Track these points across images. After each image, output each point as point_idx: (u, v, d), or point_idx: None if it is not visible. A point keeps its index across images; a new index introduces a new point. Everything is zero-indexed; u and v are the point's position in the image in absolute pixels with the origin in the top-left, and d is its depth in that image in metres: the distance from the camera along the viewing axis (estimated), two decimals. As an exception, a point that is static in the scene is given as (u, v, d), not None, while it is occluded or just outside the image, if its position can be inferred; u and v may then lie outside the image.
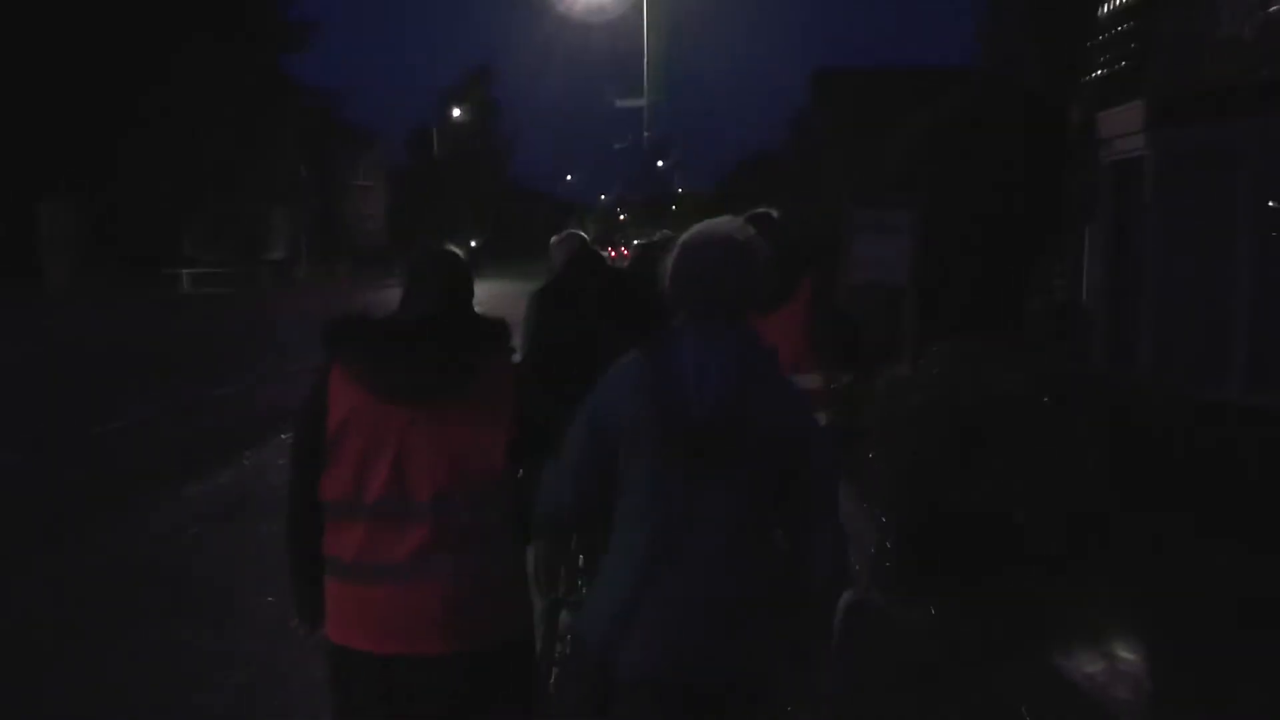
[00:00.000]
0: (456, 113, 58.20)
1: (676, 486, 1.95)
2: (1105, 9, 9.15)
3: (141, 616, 4.82)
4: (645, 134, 21.54)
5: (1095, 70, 9.30)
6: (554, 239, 4.26)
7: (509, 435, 2.19)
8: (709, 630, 1.94)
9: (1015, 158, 11.16)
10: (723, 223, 2.13)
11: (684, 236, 2.12)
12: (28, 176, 24.91)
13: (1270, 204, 6.68)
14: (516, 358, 2.40)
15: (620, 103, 22.05)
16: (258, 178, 33.80)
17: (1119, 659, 4.10)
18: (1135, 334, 8.28)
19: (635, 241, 5.21)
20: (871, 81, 31.74)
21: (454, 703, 2.17)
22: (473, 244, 67.52)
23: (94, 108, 24.90)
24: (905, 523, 5.30)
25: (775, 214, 3.95)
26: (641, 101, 21.36)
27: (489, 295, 31.60)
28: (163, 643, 4.49)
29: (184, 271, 29.40)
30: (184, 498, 6.93)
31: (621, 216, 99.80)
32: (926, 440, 5.38)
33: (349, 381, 2.18)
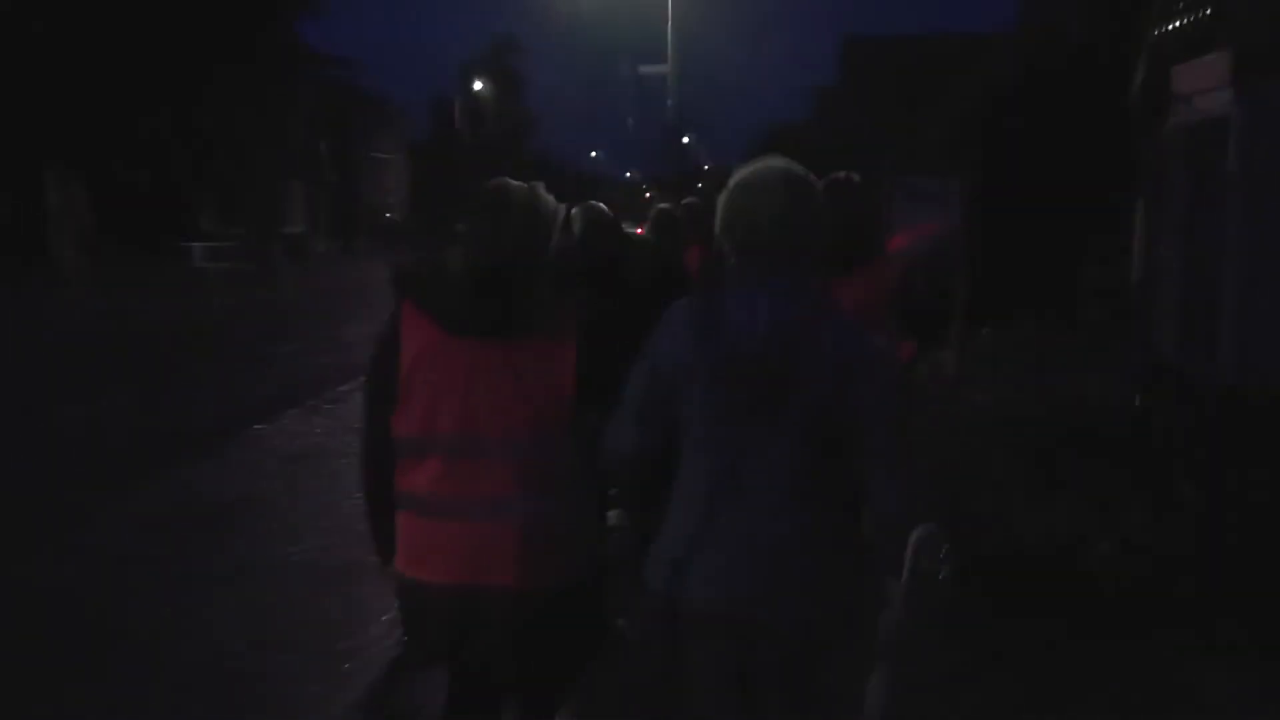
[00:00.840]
0: (478, 86, 57.28)
1: (732, 425, 1.95)
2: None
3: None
4: (669, 103, 20.57)
5: (1161, 24, 8.30)
6: (574, 209, 4.08)
7: (575, 378, 2.21)
8: (770, 568, 1.95)
9: (1069, 123, 10.19)
10: (776, 160, 2.06)
11: (737, 174, 2.06)
12: (33, 149, 24.33)
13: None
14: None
15: (644, 69, 21.12)
16: (273, 149, 33.09)
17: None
18: (1213, 324, 7.34)
19: (659, 205, 5.16)
20: (905, 48, 30.59)
21: (519, 637, 2.21)
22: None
23: (98, 78, 24.22)
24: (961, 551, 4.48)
25: (856, 177, 3.57)
26: (665, 68, 20.41)
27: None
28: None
29: (195, 245, 28.74)
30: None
31: (648, 194, 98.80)
32: (990, 456, 4.51)
33: (419, 318, 2.22)
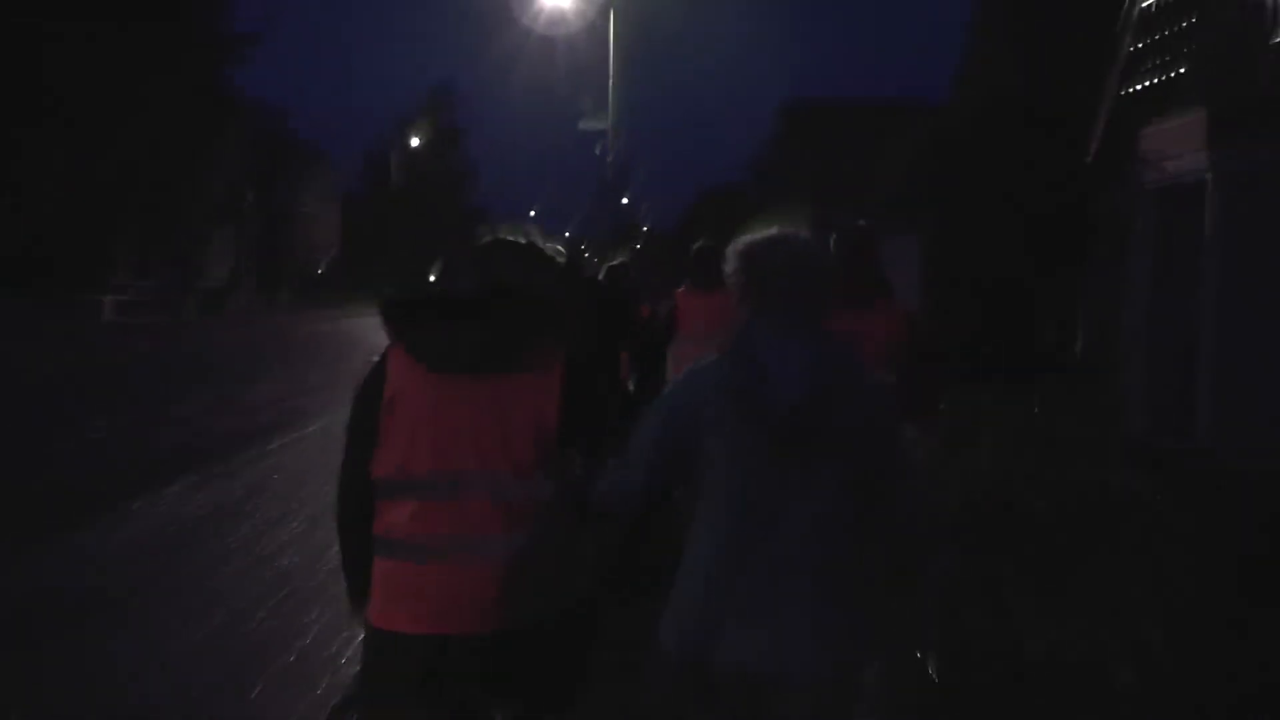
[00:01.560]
0: (415, 141, 56.60)
1: (763, 481, 1.98)
2: (1129, 20, 7.84)
3: None
4: (609, 158, 20.09)
5: (1126, 84, 7.97)
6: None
7: (559, 415, 2.14)
8: (802, 631, 1.95)
9: (1022, 185, 9.85)
10: (782, 228, 2.13)
11: (741, 243, 2.12)
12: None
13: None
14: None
15: (584, 124, 20.66)
16: (194, 198, 31.78)
17: None
18: (1188, 393, 6.86)
19: (607, 265, 5.55)
20: (844, 113, 30.88)
21: (496, 680, 2.13)
22: (431, 277, 65.59)
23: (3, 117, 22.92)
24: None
25: (865, 223, 3.73)
26: (605, 124, 19.96)
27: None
28: None
29: (107, 299, 27.22)
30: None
31: (586, 254, 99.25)
32: (978, 549, 3.81)
33: (402, 354, 2.18)
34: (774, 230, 2.09)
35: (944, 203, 8.78)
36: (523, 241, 2.30)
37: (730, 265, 2.12)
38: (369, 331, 26.55)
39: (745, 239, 2.11)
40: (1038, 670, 3.45)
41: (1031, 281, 9.66)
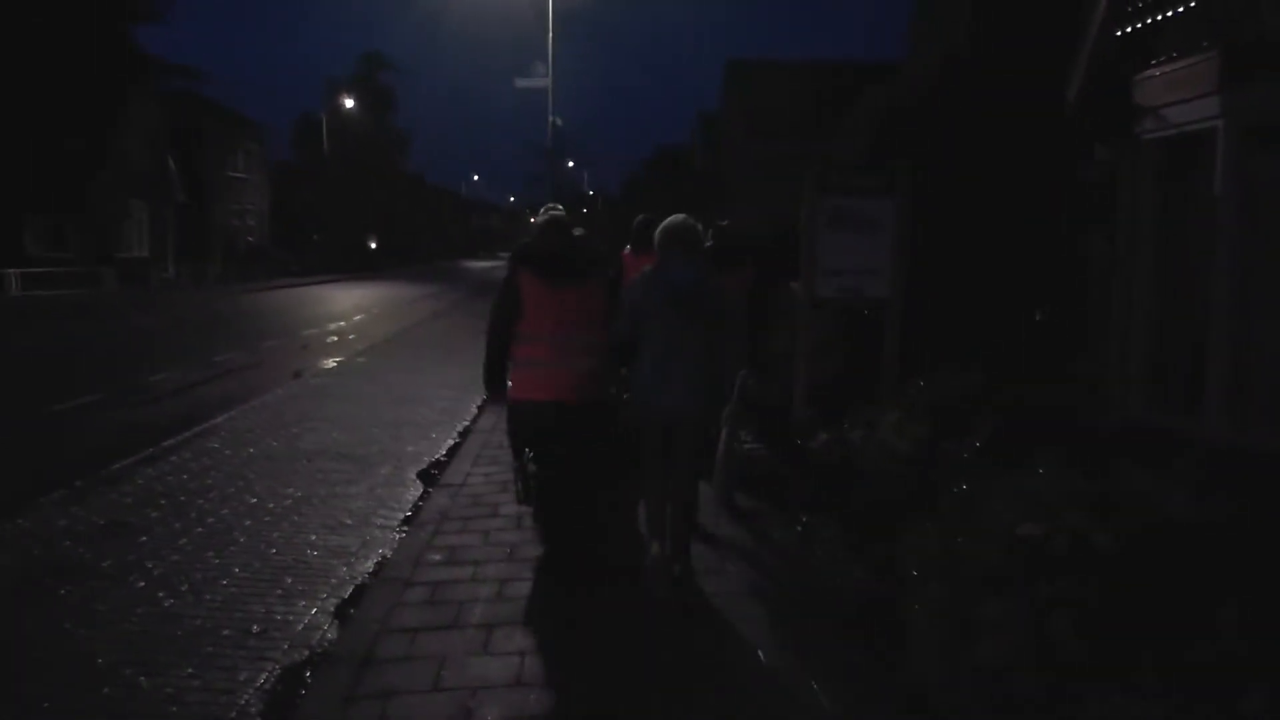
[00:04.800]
0: (349, 103, 54.44)
1: (670, 330, 4.53)
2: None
3: None
4: (550, 119, 19.00)
5: (1110, 27, 7.23)
6: (541, 210, 5.46)
7: (604, 304, 4.88)
8: (687, 392, 4.55)
9: (1002, 143, 9.12)
10: (680, 216, 4.76)
11: (663, 226, 4.73)
12: None
13: None
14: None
15: (521, 83, 19.49)
16: (109, 165, 29.82)
17: None
18: (1194, 369, 6.20)
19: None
20: (792, 74, 29.94)
21: (571, 425, 4.75)
22: (371, 245, 63.66)
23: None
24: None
25: (726, 223, 7.52)
26: (544, 82, 18.84)
27: (374, 300, 28.18)
28: None
29: (12, 272, 25.39)
30: None
31: (532, 219, 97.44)
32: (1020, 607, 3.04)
33: (529, 274, 4.73)
34: (676, 216, 4.76)
35: (916, 168, 7.98)
36: (566, 221, 5.06)
37: (657, 237, 4.71)
38: (299, 304, 25.21)
39: (663, 223, 4.73)
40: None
41: (1015, 251, 8.93)
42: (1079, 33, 7.75)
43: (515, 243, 8.10)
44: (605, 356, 4.77)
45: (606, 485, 5.48)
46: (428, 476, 7.23)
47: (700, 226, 4.91)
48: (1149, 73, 6.61)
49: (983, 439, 5.53)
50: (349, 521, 6.11)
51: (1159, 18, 6.61)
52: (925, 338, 7.99)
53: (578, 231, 5.53)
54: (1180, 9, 6.29)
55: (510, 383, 4.84)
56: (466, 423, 9.32)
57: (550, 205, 5.32)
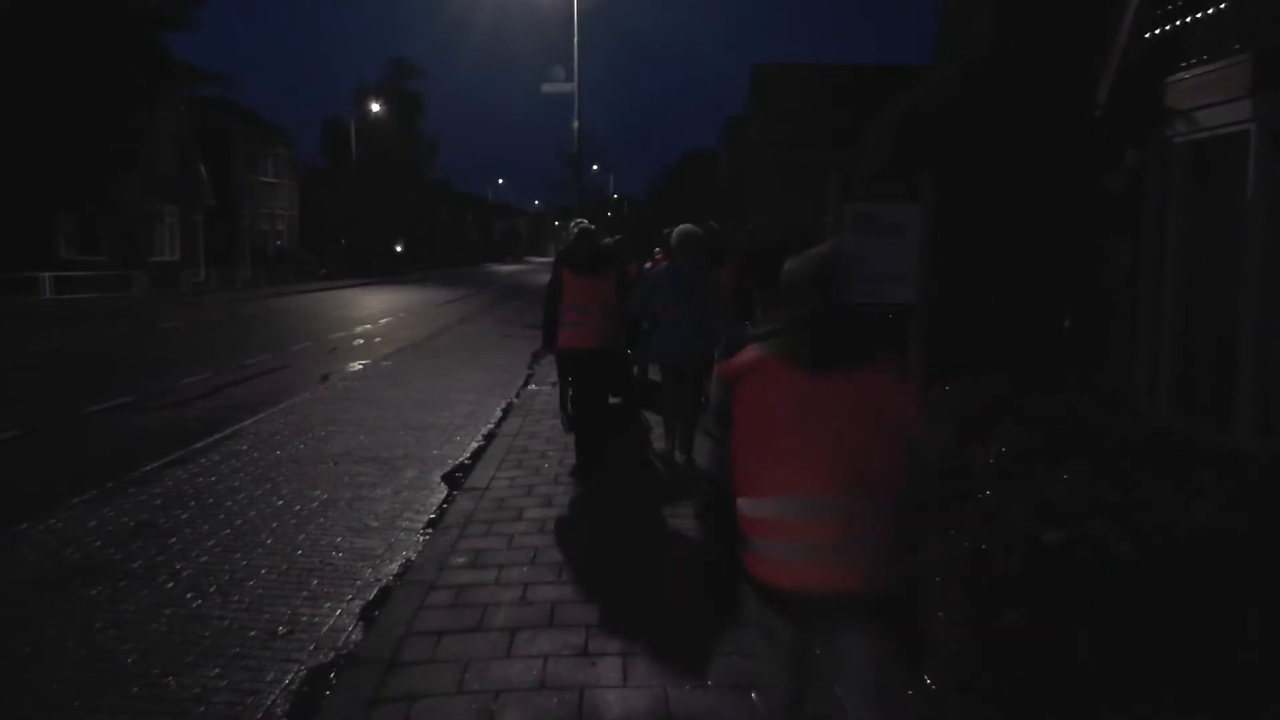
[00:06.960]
0: (375, 108, 54.85)
1: (678, 304, 7.08)
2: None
3: None
4: (574, 124, 19.05)
5: (1140, 30, 7.16)
6: (572, 225, 7.75)
7: (618, 289, 7.16)
8: (691, 345, 7.03)
9: (1026, 150, 9.05)
10: (688, 226, 7.49)
11: (676, 233, 7.41)
12: None
13: None
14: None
15: (547, 88, 19.55)
16: (140, 170, 30.21)
17: None
18: (1221, 378, 6.12)
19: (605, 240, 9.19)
20: (817, 77, 29.89)
21: (594, 367, 7.05)
22: (398, 249, 64.10)
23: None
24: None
25: (716, 225, 9.28)
26: (570, 86, 18.89)
27: (411, 304, 28.21)
28: None
29: (45, 275, 25.80)
30: None
31: (556, 222, 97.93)
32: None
33: (567, 269, 6.99)
34: (685, 226, 7.50)
35: (940, 174, 7.91)
36: (592, 233, 7.27)
37: (671, 240, 7.42)
38: (327, 307, 25.45)
39: (676, 230, 7.47)
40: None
41: (1042, 254, 8.83)
42: (1107, 37, 7.68)
43: (542, 247, 10.29)
44: (619, 320, 7.13)
45: (619, 429, 8.37)
46: (452, 480, 7.29)
47: (704, 232, 7.66)
48: (1179, 75, 6.54)
49: (1007, 445, 5.48)
50: (374, 524, 6.17)
51: (1189, 19, 6.54)
52: (950, 344, 7.93)
53: (610, 240, 8.32)
54: (1210, 10, 6.23)
55: (558, 336, 7.12)
56: (491, 426, 9.37)
57: (579, 220, 7.63)
